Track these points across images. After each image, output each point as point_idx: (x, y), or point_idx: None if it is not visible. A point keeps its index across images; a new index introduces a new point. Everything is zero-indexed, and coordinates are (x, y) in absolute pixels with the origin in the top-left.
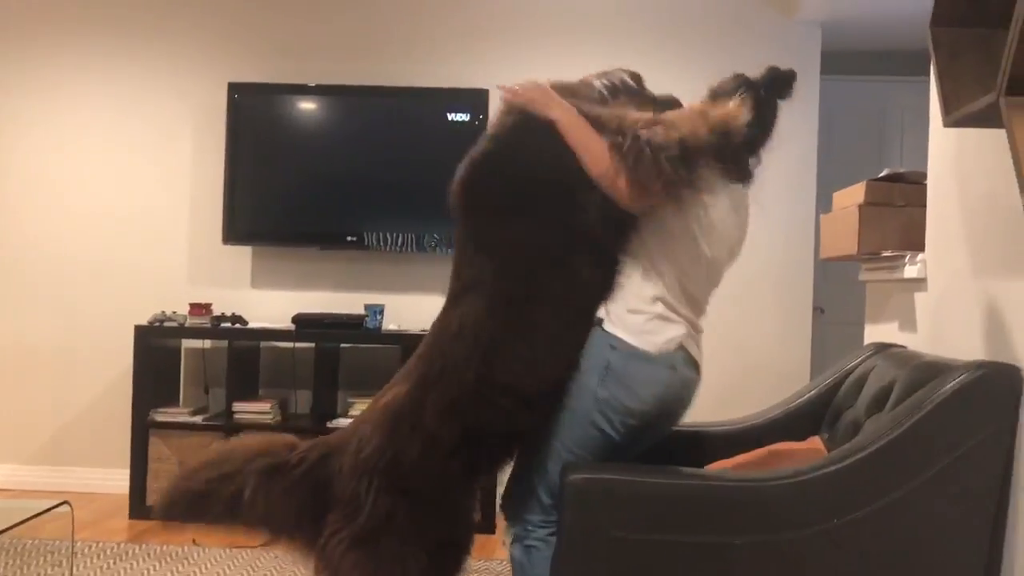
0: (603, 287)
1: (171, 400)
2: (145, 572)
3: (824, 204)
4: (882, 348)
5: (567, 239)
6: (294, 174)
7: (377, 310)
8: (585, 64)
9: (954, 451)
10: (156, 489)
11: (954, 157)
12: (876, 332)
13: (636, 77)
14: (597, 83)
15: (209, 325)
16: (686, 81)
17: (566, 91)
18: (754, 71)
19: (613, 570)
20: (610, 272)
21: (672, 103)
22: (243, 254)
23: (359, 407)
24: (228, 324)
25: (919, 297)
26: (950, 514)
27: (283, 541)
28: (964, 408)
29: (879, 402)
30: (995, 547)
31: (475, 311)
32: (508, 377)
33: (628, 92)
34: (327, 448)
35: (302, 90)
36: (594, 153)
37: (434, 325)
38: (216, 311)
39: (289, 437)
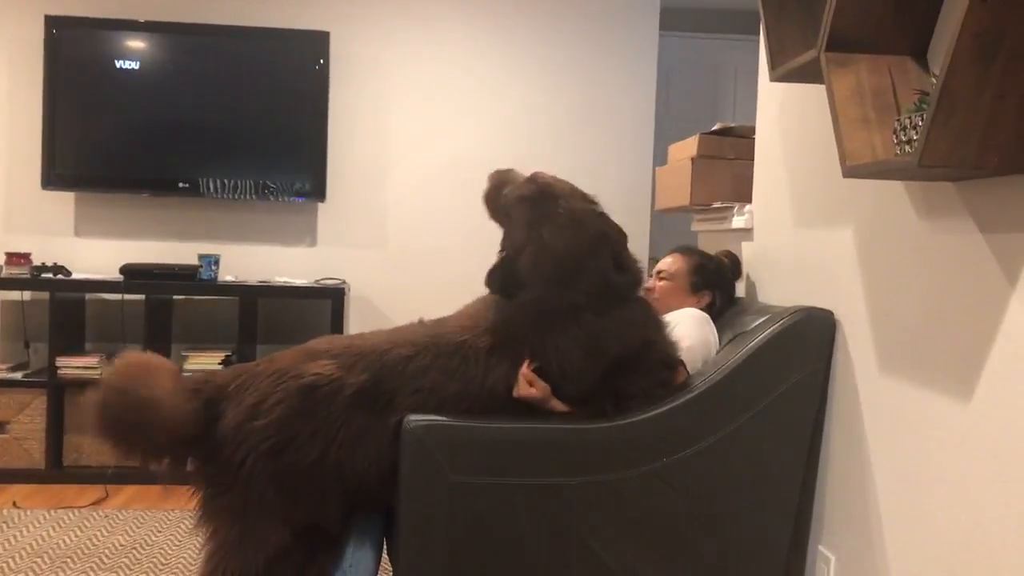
0: None
1: None
2: None
3: (660, 157)
4: None
5: None
6: (121, 116)
7: (212, 260)
8: (428, 7)
9: (774, 391)
10: None
11: (779, 112)
12: None
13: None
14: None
15: (28, 276)
16: (527, 34)
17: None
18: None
19: (453, 514)
20: None
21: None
22: (65, 200)
23: (194, 361)
24: (49, 275)
25: (746, 246)
26: (770, 449)
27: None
28: (783, 351)
29: None
30: (809, 478)
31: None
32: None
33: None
34: (217, 392)
35: (130, 26)
36: None
37: (429, 330)
38: (36, 261)
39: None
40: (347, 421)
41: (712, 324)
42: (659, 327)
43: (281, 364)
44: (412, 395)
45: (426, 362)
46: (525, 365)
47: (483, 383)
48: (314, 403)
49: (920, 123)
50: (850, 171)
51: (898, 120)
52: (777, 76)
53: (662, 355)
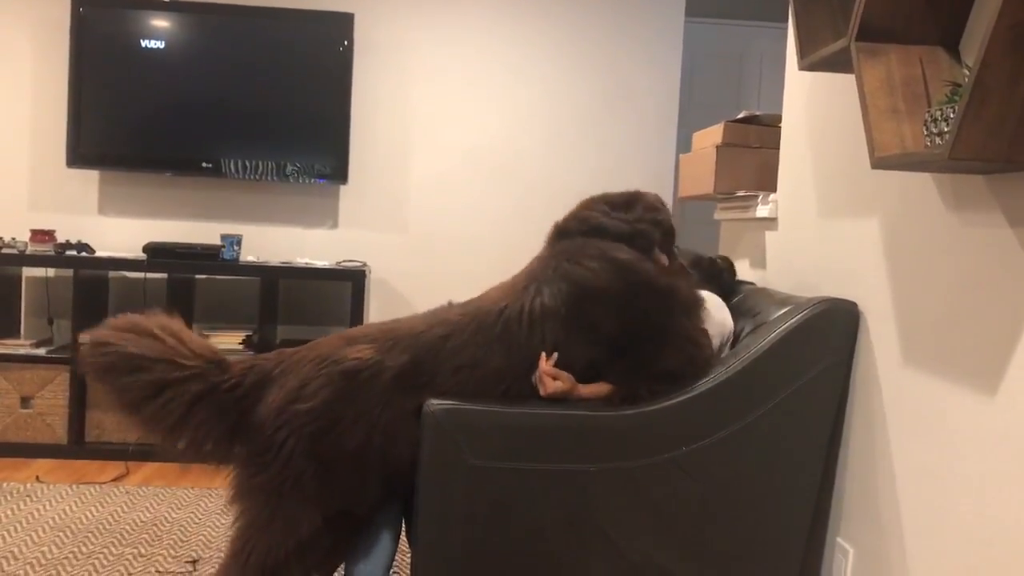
0: None
1: (10, 331)
2: None
3: (684, 145)
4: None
5: None
6: (146, 95)
7: (234, 240)
8: None
9: (796, 381)
10: None
11: (806, 101)
12: None
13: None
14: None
15: (52, 253)
16: (552, 19)
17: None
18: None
19: (471, 498)
20: None
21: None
22: (90, 179)
23: (215, 340)
24: (73, 252)
25: (770, 236)
26: (790, 440)
27: (189, 453)
28: (806, 341)
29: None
30: (828, 470)
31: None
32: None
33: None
34: (262, 375)
35: (155, 5)
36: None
37: (463, 313)
38: (60, 238)
39: (216, 356)
40: (388, 404)
41: (727, 308)
42: (691, 307)
43: (322, 350)
44: (452, 374)
45: (464, 338)
46: (542, 361)
47: (527, 346)
48: (356, 387)
49: (952, 115)
50: (879, 162)
51: (929, 112)
52: (806, 65)
53: (689, 332)
